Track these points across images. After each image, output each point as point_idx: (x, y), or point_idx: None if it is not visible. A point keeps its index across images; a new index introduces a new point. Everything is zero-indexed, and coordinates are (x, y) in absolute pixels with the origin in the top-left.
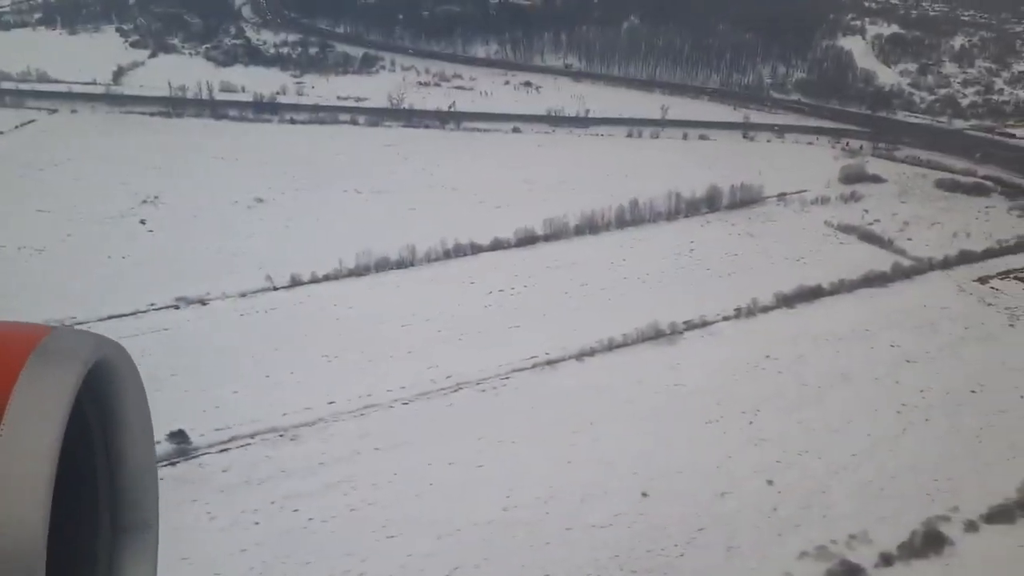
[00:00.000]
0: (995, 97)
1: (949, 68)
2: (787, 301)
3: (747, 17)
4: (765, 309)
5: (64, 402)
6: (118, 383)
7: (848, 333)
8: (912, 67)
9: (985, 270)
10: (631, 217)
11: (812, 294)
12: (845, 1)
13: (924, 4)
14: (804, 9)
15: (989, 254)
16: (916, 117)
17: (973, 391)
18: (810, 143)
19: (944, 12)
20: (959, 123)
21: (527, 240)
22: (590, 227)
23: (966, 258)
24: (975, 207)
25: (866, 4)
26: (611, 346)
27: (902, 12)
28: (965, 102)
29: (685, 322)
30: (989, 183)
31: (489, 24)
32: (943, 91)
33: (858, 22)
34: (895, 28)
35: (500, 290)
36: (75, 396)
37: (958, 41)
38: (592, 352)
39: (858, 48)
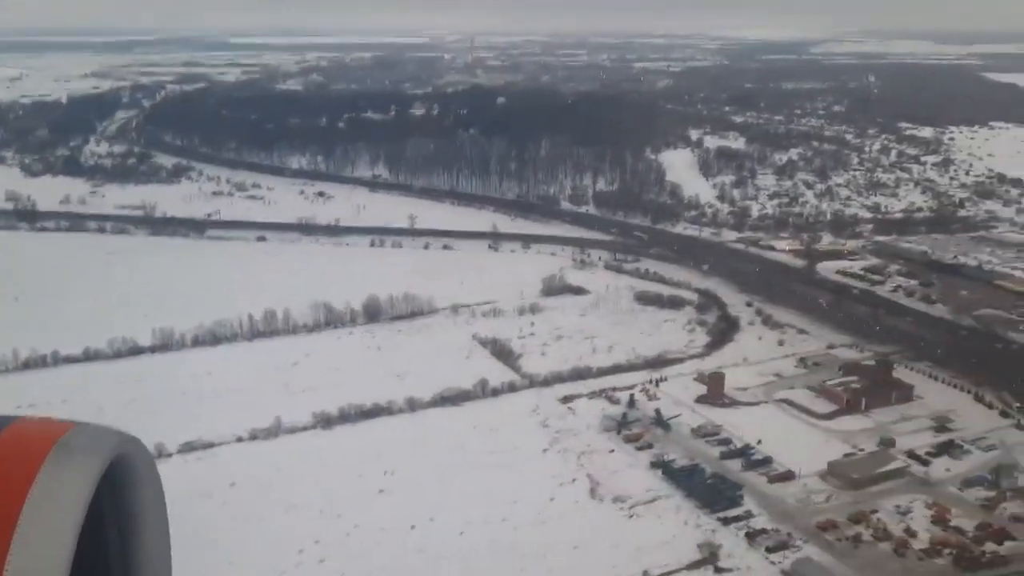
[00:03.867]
0: (794, 209)
1: (767, 180)
2: (328, 422)
3: (585, 129)
4: (293, 431)
5: (81, 498)
6: (136, 479)
7: (354, 459)
8: (730, 179)
9: (586, 388)
10: (267, 328)
11: (365, 414)
12: (707, 115)
13: (803, 120)
14: (646, 122)
15: (611, 371)
16: (694, 229)
17: (414, 527)
18: (553, 254)
19: (814, 128)
20: (731, 235)
21: (129, 352)
22: (213, 339)
23: (578, 375)
24: (655, 320)
25: (736, 119)
26: None
27: (767, 127)
28: (760, 214)
29: (185, 443)
30: (692, 296)
31: (323, 135)
32: (748, 203)
33: (701, 135)
34: (739, 142)
35: (31, 405)
36: (93, 491)
37: (792, 154)
38: None
39: (684, 161)
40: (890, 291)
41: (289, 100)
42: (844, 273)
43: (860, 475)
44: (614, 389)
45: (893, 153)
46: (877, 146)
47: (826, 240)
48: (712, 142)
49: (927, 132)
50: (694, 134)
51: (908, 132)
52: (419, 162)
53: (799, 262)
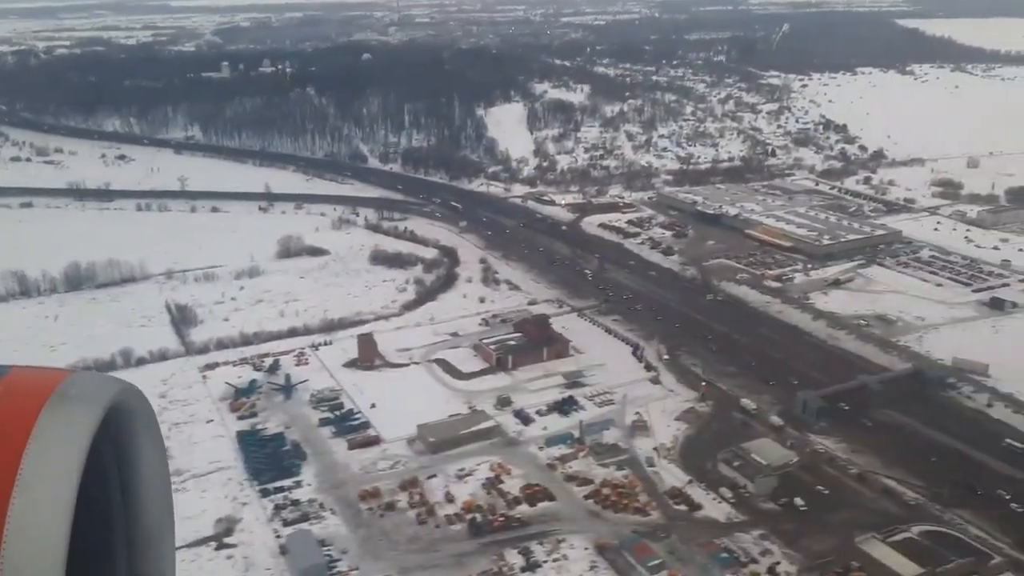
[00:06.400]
0: (604, 162)
1: (592, 133)
2: None
3: (429, 86)
4: None
5: (80, 447)
6: (135, 426)
7: None
8: (554, 132)
9: (240, 355)
10: None
11: None
12: (573, 68)
13: (674, 70)
14: (499, 77)
15: (285, 335)
16: (488, 185)
17: None
18: (322, 214)
19: (673, 78)
20: (522, 190)
21: None
22: None
23: (245, 341)
24: (374, 280)
25: (600, 71)
26: None
27: (625, 78)
28: (567, 167)
29: None
30: (430, 254)
31: (146, 97)
32: (561, 156)
33: (547, 88)
34: (582, 94)
35: None
36: (92, 439)
37: (625, 105)
38: None
39: (513, 115)
40: (638, 244)
41: (147, 62)
42: (604, 226)
43: (441, 438)
44: (265, 356)
45: (731, 103)
46: (722, 95)
47: (612, 193)
48: (555, 95)
49: (781, 80)
50: (541, 88)
51: (766, 81)
52: (236, 122)
53: (570, 216)
